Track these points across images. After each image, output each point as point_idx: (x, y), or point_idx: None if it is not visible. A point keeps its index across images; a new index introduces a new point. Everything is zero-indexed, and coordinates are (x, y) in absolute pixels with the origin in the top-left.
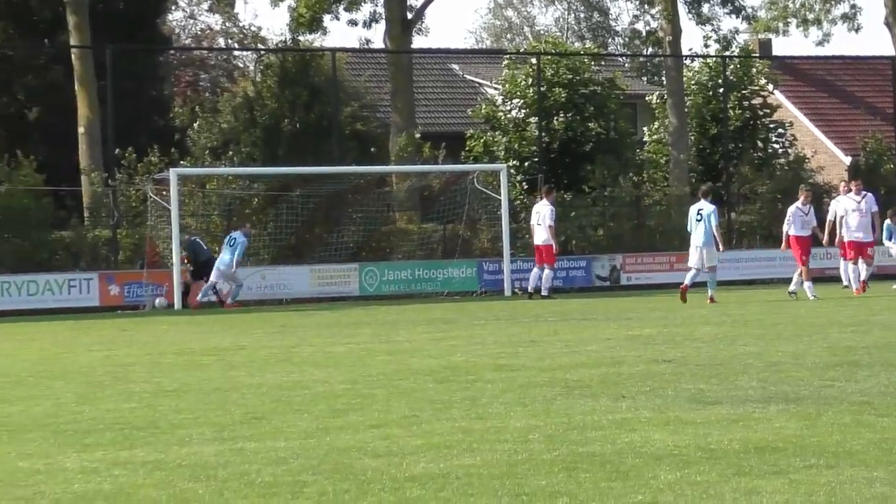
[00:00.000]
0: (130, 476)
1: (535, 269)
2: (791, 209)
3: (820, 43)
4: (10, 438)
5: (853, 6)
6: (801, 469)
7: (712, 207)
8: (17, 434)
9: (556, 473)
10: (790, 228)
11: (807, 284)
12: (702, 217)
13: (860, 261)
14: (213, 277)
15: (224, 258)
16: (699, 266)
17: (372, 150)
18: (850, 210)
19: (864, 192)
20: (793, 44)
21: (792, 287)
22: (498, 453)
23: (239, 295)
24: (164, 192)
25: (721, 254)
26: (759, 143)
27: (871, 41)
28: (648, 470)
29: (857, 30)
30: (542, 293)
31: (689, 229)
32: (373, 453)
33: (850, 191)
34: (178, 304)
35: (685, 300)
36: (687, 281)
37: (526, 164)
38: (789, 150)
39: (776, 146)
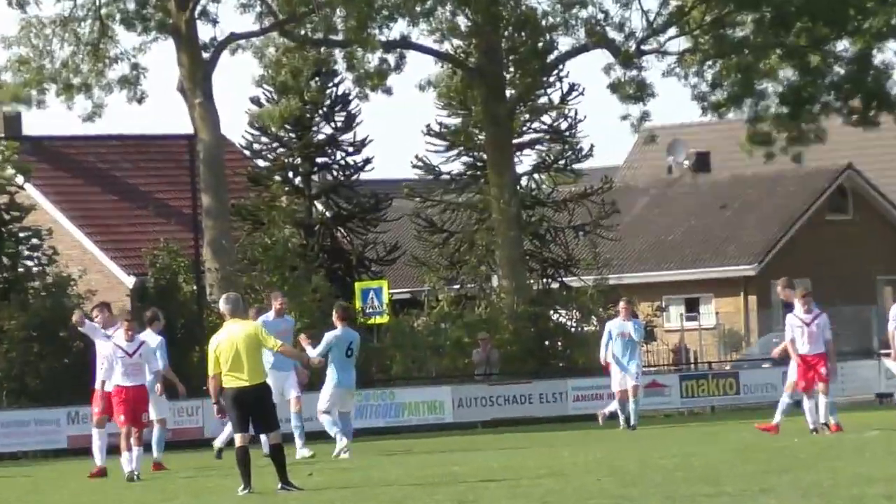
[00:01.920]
0: None
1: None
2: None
3: (90, 118)
4: None
5: (135, 66)
6: None
7: None
8: None
9: None
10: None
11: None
12: None
13: None
14: None
15: None
16: None
17: None
18: None
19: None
20: (53, 119)
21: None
22: None
23: None
24: None
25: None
26: (6, 261)
27: (162, 115)
28: None
29: (141, 100)
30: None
31: None
32: None
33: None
34: None
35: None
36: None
37: None
38: (48, 270)
39: (30, 264)
